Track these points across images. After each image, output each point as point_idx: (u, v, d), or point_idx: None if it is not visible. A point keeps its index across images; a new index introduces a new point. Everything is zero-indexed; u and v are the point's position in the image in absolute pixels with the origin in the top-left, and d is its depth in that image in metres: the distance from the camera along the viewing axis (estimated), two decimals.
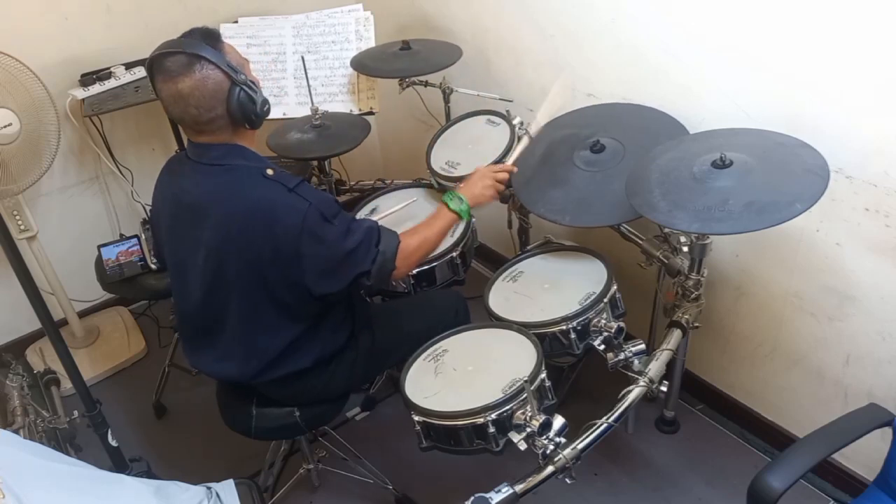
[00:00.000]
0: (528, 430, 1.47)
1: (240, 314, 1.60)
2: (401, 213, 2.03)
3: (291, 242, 1.48)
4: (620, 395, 1.65)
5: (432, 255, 1.92)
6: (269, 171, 1.51)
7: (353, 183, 2.60)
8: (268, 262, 1.51)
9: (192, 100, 1.43)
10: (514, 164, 1.92)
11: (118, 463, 1.90)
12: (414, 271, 1.92)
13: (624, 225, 2.00)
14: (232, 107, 1.46)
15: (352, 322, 1.77)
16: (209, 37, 1.47)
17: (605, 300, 1.73)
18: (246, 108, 1.48)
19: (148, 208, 2.67)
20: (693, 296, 1.84)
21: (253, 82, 1.51)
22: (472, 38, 2.48)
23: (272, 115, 1.65)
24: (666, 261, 1.90)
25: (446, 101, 2.41)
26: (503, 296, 1.87)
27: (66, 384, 1.95)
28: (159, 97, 1.48)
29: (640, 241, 1.97)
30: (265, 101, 1.53)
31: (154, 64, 1.45)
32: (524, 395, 1.47)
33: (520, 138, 1.97)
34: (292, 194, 1.48)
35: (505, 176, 1.87)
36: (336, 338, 1.74)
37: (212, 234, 1.53)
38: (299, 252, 1.49)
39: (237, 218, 1.49)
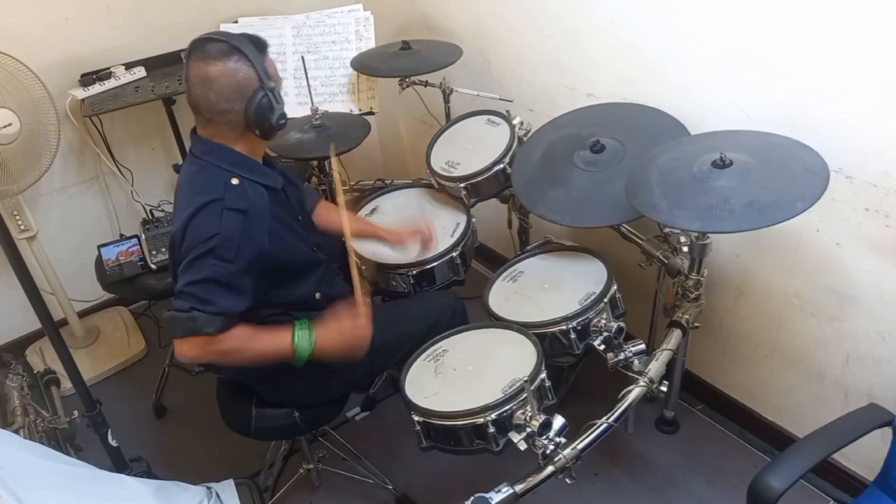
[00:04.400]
0: (528, 430, 1.47)
1: None
2: (403, 213, 2.02)
3: (186, 247, 1.45)
4: (620, 395, 1.65)
5: (431, 255, 1.92)
6: (234, 181, 1.49)
7: (353, 183, 2.60)
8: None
9: (216, 85, 1.45)
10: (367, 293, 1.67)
11: (118, 463, 1.90)
12: (414, 271, 1.93)
13: (624, 225, 2.00)
14: (251, 107, 1.48)
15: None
16: (257, 42, 1.50)
17: (605, 300, 1.73)
18: (263, 113, 1.49)
19: (148, 208, 2.68)
20: (693, 296, 1.84)
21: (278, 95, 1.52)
22: (471, 39, 2.48)
23: None
24: (666, 261, 1.90)
25: (446, 101, 2.41)
26: (503, 296, 1.87)
27: (66, 384, 1.95)
28: (186, 77, 1.49)
29: (640, 241, 1.97)
30: (283, 115, 1.55)
31: (196, 45, 1.48)
32: (524, 395, 1.47)
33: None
34: (220, 213, 1.44)
35: (363, 328, 1.57)
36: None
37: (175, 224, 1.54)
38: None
39: (184, 213, 1.48)
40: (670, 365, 1.78)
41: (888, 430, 1.49)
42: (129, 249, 2.33)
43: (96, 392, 1.89)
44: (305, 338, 1.55)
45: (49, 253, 2.52)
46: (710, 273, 1.94)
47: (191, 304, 1.42)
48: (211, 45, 1.46)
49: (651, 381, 1.67)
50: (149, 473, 2.01)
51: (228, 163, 1.52)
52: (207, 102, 1.48)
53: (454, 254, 1.95)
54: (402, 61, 2.32)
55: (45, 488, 1.29)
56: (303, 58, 2.26)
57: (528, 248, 2.11)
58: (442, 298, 1.93)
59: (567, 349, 1.71)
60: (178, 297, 1.45)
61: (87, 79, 2.41)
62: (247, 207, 1.47)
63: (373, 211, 2.18)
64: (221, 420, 1.83)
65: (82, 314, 2.77)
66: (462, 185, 2.03)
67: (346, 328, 1.57)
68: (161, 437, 2.42)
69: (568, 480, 1.49)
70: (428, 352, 1.71)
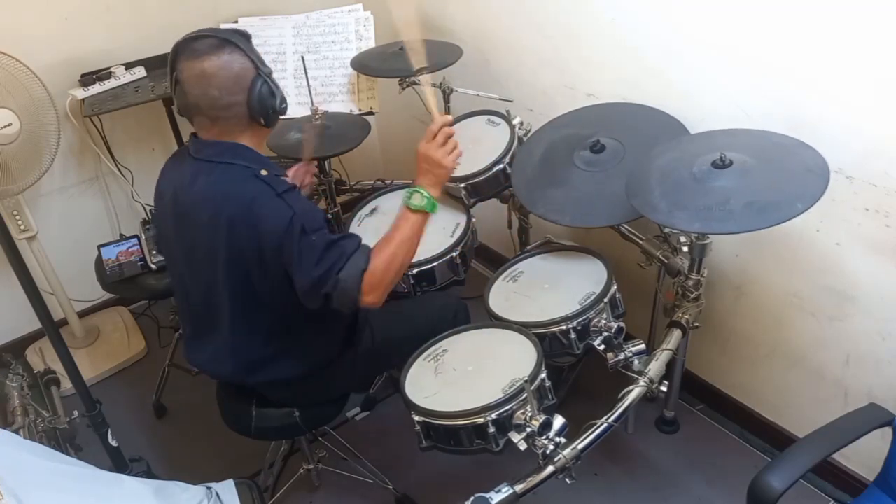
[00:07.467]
0: (528, 430, 1.47)
1: (231, 314, 1.59)
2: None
3: (274, 247, 1.46)
4: (620, 395, 1.65)
5: (431, 255, 1.92)
6: (263, 172, 1.49)
7: (353, 183, 2.59)
8: (253, 264, 1.50)
9: (215, 80, 1.43)
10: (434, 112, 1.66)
11: (118, 463, 1.90)
12: (414, 271, 1.92)
13: (624, 225, 2.00)
14: (253, 97, 1.46)
15: (349, 328, 1.75)
16: (242, 34, 1.50)
17: (605, 300, 1.73)
18: (266, 101, 1.48)
19: (148, 208, 2.67)
20: (693, 296, 1.84)
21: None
22: (471, 39, 2.48)
23: None
24: (666, 261, 1.90)
25: (446, 101, 2.41)
26: (503, 296, 1.87)
27: (66, 384, 1.94)
28: (179, 80, 1.46)
29: (640, 241, 1.97)
30: (284, 100, 1.54)
31: (181, 46, 1.45)
32: (524, 395, 1.47)
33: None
34: (279, 199, 1.45)
35: (438, 134, 1.60)
36: (330, 348, 1.72)
37: (205, 233, 1.52)
38: (280, 259, 1.47)
39: (225, 216, 1.48)
40: (670, 365, 1.78)
41: (888, 430, 1.49)
42: (129, 249, 2.33)
43: (96, 392, 1.89)
44: (419, 196, 1.54)
45: (49, 253, 2.52)
46: (710, 273, 1.94)
47: (333, 276, 1.44)
48: (199, 42, 1.44)
49: (651, 381, 1.67)
50: (149, 473, 2.01)
51: (247, 160, 1.51)
52: (209, 99, 1.45)
53: (454, 254, 1.95)
54: (403, 61, 2.32)
55: (45, 488, 1.29)
56: (303, 58, 2.26)
57: (528, 248, 2.11)
58: (443, 300, 1.92)
59: (567, 349, 1.71)
60: (322, 284, 1.45)
61: (87, 79, 2.41)
62: (292, 185, 1.50)
63: (372, 211, 2.18)
64: (221, 420, 1.83)
65: (82, 314, 2.77)
66: (462, 185, 2.03)
67: (434, 159, 1.56)
68: (161, 437, 2.42)
69: (568, 480, 1.49)
70: (428, 352, 1.71)
